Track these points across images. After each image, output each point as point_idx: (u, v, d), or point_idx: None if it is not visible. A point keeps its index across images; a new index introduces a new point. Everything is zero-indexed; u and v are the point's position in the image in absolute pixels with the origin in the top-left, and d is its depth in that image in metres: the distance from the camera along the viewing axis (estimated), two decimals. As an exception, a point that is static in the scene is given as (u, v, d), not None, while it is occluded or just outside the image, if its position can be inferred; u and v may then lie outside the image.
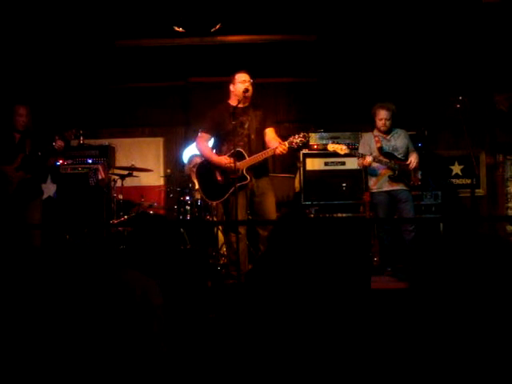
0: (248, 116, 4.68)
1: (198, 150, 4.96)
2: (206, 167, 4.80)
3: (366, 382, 1.82)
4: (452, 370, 1.44)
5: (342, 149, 5.05)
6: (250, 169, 4.58)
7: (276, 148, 4.47)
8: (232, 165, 4.51)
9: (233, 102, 4.73)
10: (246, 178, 4.55)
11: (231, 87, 4.77)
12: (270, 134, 4.70)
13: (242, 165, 4.55)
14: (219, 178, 4.68)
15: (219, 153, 4.76)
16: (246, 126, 4.66)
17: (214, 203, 5.16)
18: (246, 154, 4.58)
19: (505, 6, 5.81)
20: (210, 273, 4.90)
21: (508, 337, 1.39)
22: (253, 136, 4.64)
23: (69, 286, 1.98)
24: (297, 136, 4.46)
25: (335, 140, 5.81)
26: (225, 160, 4.60)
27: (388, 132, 5.26)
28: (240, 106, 4.64)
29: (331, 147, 5.09)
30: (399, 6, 5.92)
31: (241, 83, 4.68)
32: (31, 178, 4.95)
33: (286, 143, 4.46)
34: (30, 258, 2.40)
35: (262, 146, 4.64)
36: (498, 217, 6.84)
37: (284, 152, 4.48)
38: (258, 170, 4.65)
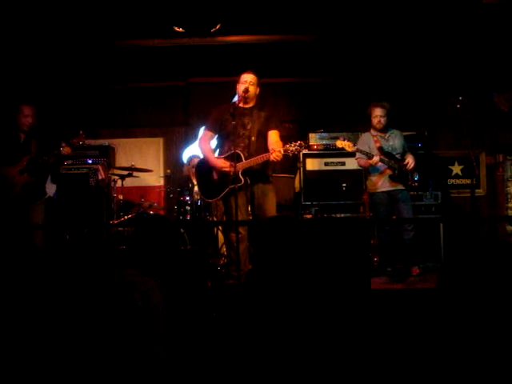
0: (251, 117, 4.66)
1: (199, 147, 4.96)
2: (204, 165, 4.82)
3: (365, 382, 1.82)
4: (452, 369, 1.44)
5: (349, 146, 5.08)
6: (247, 172, 4.56)
7: (270, 154, 4.44)
8: (226, 168, 4.54)
9: (238, 102, 4.74)
10: (240, 181, 4.55)
11: (237, 87, 4.77)
12: (274, 136, 4.65)
13: (238, 167, 4.53)
14: (215, 178, 4.69)
15: (221, 152, 4.77)
16: (248, 127, 4.64)
17: (212, 201, 5.18)
18: (243, 157, 4.57)
19: (505, 6, 5.82)
20: (210, 273, 4.90)
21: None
22: (253, 138, 4.61)
23: (68, 287, 1.98)
24: (293, 144, 4.43)
25: (335, 140, 5.81)
26: (221, 163, 4.61)
27: (385, 131, 5.28)
28: (241, 105, 4.64)
29: (340, 144, 5.11)
30: (399, 6, 5.92)
31: (242, 83, 4.68)
32: (35, 181, 4.91)
33: (282, 150, 4.43)
34: (30, 258, 2.40)
35: (264, 148, 4.61)
36: (498, 217, 6.85)
37: (278, 159, 4.45)
38: (256, 174, 4.62)
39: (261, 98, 4.84)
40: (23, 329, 1.91)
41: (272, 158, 4.44)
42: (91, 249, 5.52)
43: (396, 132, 5.35)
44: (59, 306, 1.93)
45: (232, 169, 4.48)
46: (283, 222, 2.10)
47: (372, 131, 5.31)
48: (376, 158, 5.02)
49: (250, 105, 4.71)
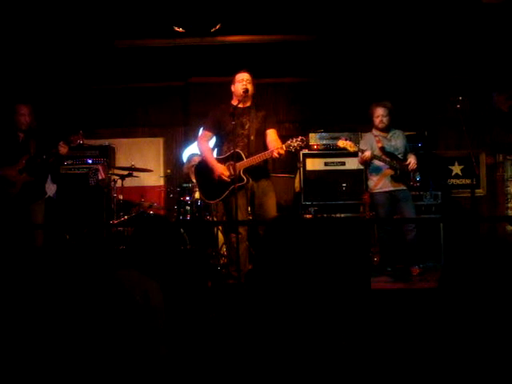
0: (249, 117, 4.67)
1: (198, 148, 4.96)
2: (204, 167, 4.80)
3: (365, 382, 1.82)
4: (453, 369, 1.44)
5: (351, 146, 5.08)
6: (248, 170, 4.57)
7: (273, 151, 4.45)
8: (225, 178, 4.54)
9: (234, 102, 4.73)
10: (242, 180, 4.55)
11: (232, 87, 4.78)
12: (272, 135, 4.67)
13: (239, 166, 4.53)
14: (216, 178, 4.67)
15: (220, 152, 4.76)
16: (247, 126, 4.65)
17: (213, 203, 5.18)
18: (243, 156, 4.57)
19: (505, 6, 5.82)
20: (210, 273, 4.90)
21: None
22: (252, 137, 4.62)
23: (69, 287, 1.98)
24: (295, 139, 4.42)
25: (335, 140, 5.81)
26: (220, 170, 4.59)
27: (387, 131, 5.28)
28: (240, 106, 4.63)
29: (342, 144, 5.11)
30: (399, 5, 5.92)
31: (239, 82, 4.68)
32: (35, 181, 4.91)
33: (284, 146, 4.43)
34: (30, 258, 2.40)
35: (263, 147, 4.61)
36: (498, 217, 6.84)
37: (281, 155, 4.46)
38: (258, 171, 4.63)
39: (257, 98, 4.84)
40: (24, 328, 1.91)
41: (275, 154, 4.44)
42: (91, 249, 5.52)
43: (398, 132, 5.35)
44: (60, 306, 1.93)
45: (230, 179, 4.51)
46: (289, 222, 2.10)
47: (374, 131, 5.31)
48: (367, 153, 5.02)
49: (247, 104, 4.72)
